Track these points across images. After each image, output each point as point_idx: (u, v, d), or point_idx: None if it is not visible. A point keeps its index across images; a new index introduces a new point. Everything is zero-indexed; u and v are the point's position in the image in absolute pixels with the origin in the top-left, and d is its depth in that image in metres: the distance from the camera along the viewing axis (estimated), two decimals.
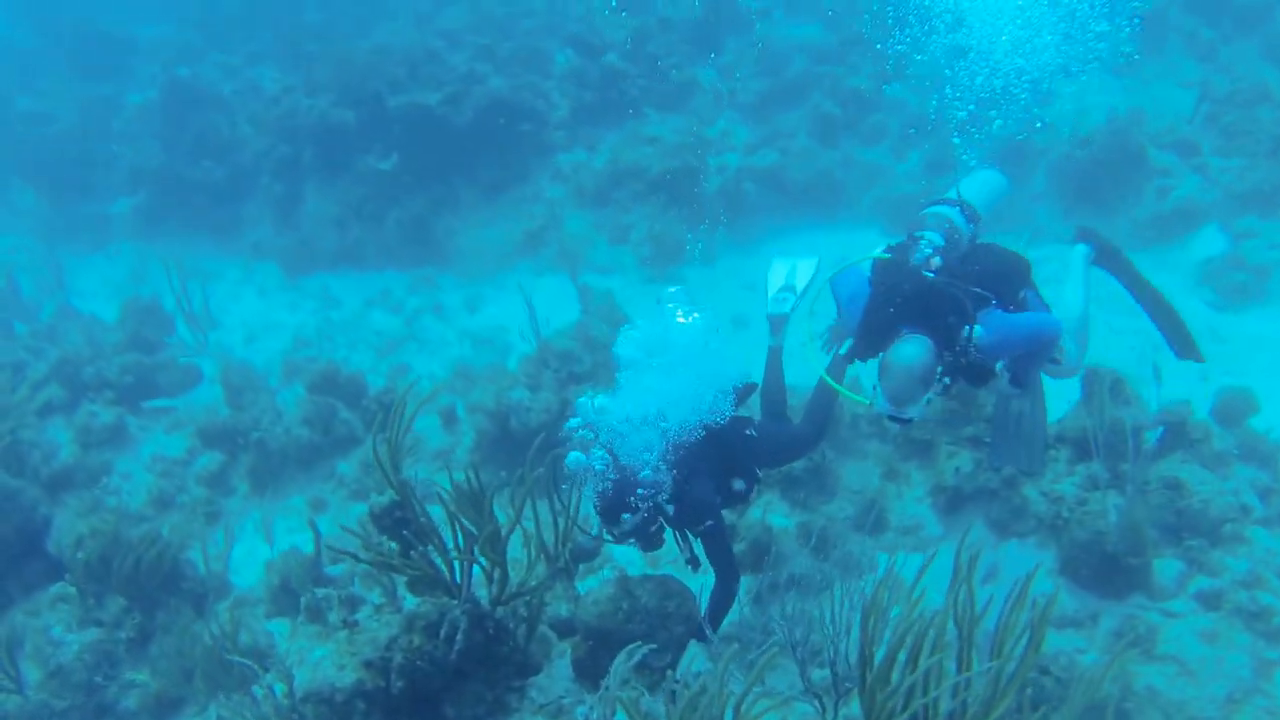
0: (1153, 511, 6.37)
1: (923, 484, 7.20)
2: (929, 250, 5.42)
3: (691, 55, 15.16)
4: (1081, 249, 6.49)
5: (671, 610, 5.41)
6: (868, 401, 5.48)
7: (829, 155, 13.49)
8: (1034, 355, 5.56)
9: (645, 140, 13.89)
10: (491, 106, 13.85)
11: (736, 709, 3.61)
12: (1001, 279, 5.62)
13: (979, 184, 6.37)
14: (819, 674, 5.85)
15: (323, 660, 4.83)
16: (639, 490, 5.31)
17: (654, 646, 4.70)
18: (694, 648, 5.67)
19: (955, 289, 5.34)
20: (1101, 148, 11.55)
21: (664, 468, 5.45)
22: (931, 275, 5.34)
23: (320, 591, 5.93)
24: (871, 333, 5.52)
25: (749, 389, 6.16)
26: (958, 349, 5.35)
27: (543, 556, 4.88)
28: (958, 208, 5.70)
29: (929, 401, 5.37)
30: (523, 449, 7.84)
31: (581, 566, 6.89)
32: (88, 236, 16.40)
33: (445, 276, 13.58)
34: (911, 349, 5.23)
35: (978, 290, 5.41)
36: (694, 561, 5.87)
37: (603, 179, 13.56)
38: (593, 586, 5.78)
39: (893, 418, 5.38)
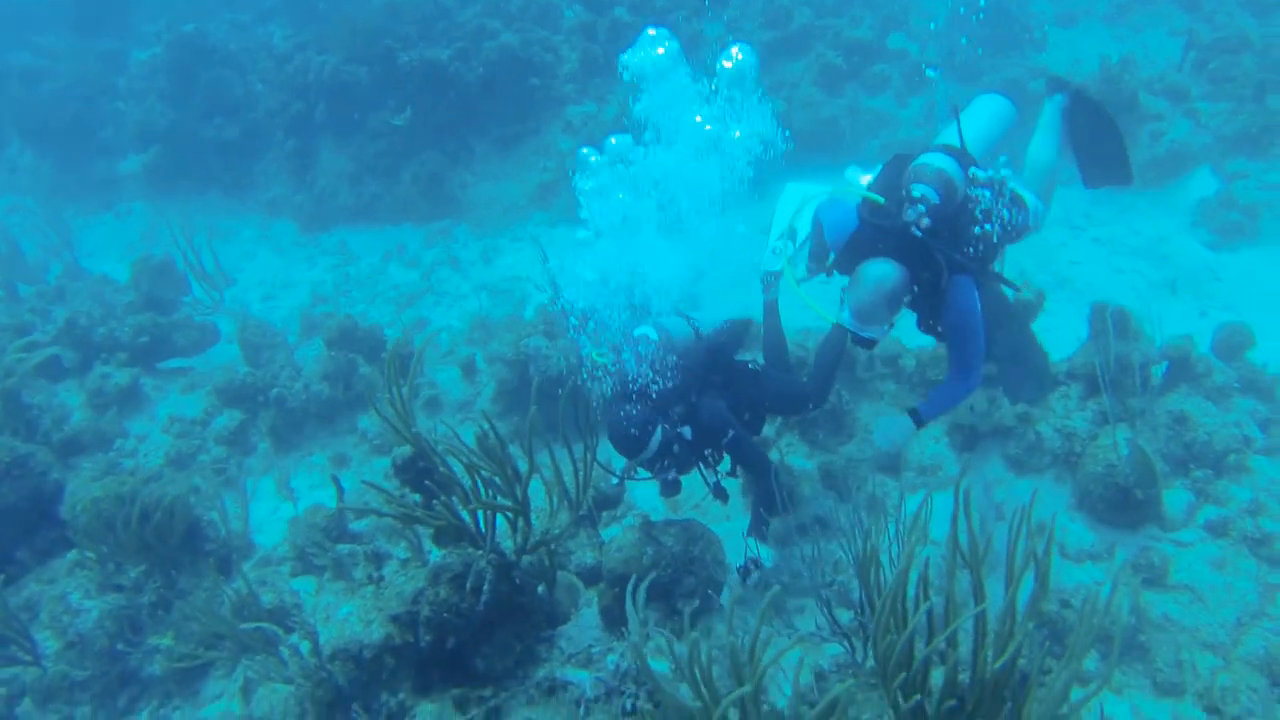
0: (1161, 444, 6.38)
1: (940, 423, 6.97)
2: (922, 209, 5.25)
3: (698, 9, 14.72)
4: (1057, 100, 6.38)
5: (696, 554, 5.24)
6: (833, 317, 5.39)
7: (834, 104, 13.18)
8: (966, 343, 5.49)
9: None
10: (502, 61, 13.48)
11: (751, 652, 3.38)
12: (984, 243, 5.50)
13: (984, 117, 6.10)
14: (846, 615, 5.71)
15: (349, 616, 4.65)
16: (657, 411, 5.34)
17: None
18: (726, 592, 5.52)
19: (938, 253, 5.25)
20: (1096, 93, 11.26)
21: (678, 379, 5.48)
22: (919, 234, 5.22)
23: (344, 548, 5.70)
24: (853, 256, 5.41)
25: (744, 323, 6.22)
26: (925, 301, 5.34)
27: (565, 504, 4.64)
28: (954, 158, 5.41)
29: (891, 328, 5.33)
30: (543, 397, 7.71)
31: (605, 515, 6.71)
32: (95, 196, 16.00)
33: (460, 229, 13.32)
34: (886, 267, 5.16)
35: (959, 257, 5.32)
36: (721, 492, 5.78)
37: (612, 130, 13.17)
38: (615, 534, 5.59)
39: (856, 338, 5.33)
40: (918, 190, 5.25)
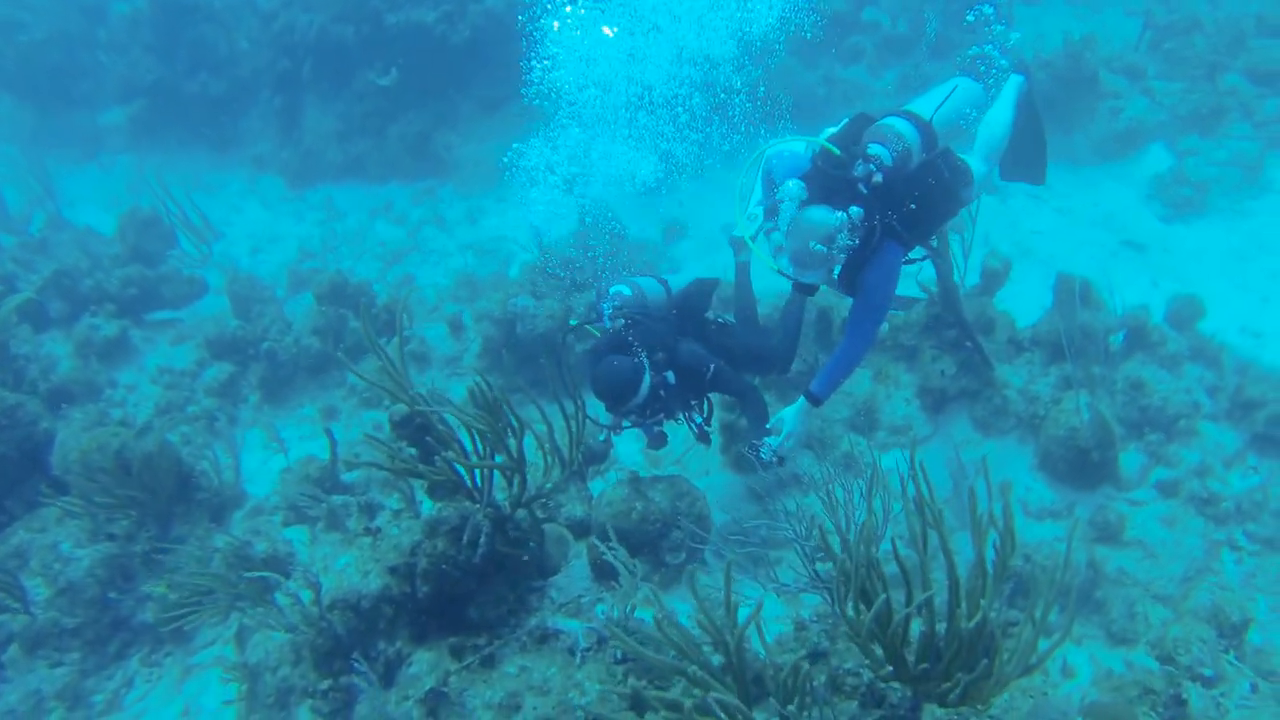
0: (1119, 409, 6.54)
1: (910, 385, 7.03)
2: (873, 168, 5.11)
3: None
4: (1017, 79, 6.30)
5: (684, 510, 5.24)
6: (775, 266, 5.26)
7: (810, 74, 13.03)
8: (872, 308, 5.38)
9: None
10: (487, 24, 13.19)
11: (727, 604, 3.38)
12: (924, 218, 5.42)
13: (954, 95, 6.04)
14: (824, 567, 5.73)
15: (347, 567, 4.63)
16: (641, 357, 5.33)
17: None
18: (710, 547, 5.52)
19: (878, 216, 5.14)
20: (1060, 69, 11.51)
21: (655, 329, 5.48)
22: (865, 191, 5.10)
23: (338, 499, 5.63)
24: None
25: (712, 282, 6.20)
26: (852, 257, 5.15)
27: (556, 459, 4.60)
28: (917, 127, 5.31)
29: (831, 276, 5.19)
30: (529, 354, 7.65)
31: (590, 470, 6.68)
32: (77, 147, 15.52)
33: (446, 189, 13.16)
34: (822, 214, 4.98)
35: (894, 222, 5.21)
36: (704, 436, 5.76)
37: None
38: (604, 489, 5.57)
39: (796, 284, 5.21)
40: (874, 149, 5.13)
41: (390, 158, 13.63)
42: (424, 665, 4.40)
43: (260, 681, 4.83)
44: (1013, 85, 6.29)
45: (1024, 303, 7.46)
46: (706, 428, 5.81)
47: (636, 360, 5.27)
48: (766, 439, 5.43)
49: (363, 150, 13.79)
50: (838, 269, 5.22)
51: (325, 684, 4.49)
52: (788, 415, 5.48)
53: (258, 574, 5.12)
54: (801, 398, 5.49)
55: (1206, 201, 10.44)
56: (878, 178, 5.07)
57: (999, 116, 6.16)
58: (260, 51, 14.66)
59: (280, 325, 8.84)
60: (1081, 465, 6.19)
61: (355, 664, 4.34)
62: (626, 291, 5.63)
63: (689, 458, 7.00)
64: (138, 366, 8.81)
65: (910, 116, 5.42)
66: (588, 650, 4.17)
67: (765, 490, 6.50)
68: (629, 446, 7.20)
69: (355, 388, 8.49)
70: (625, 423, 5.58)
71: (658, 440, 5.74)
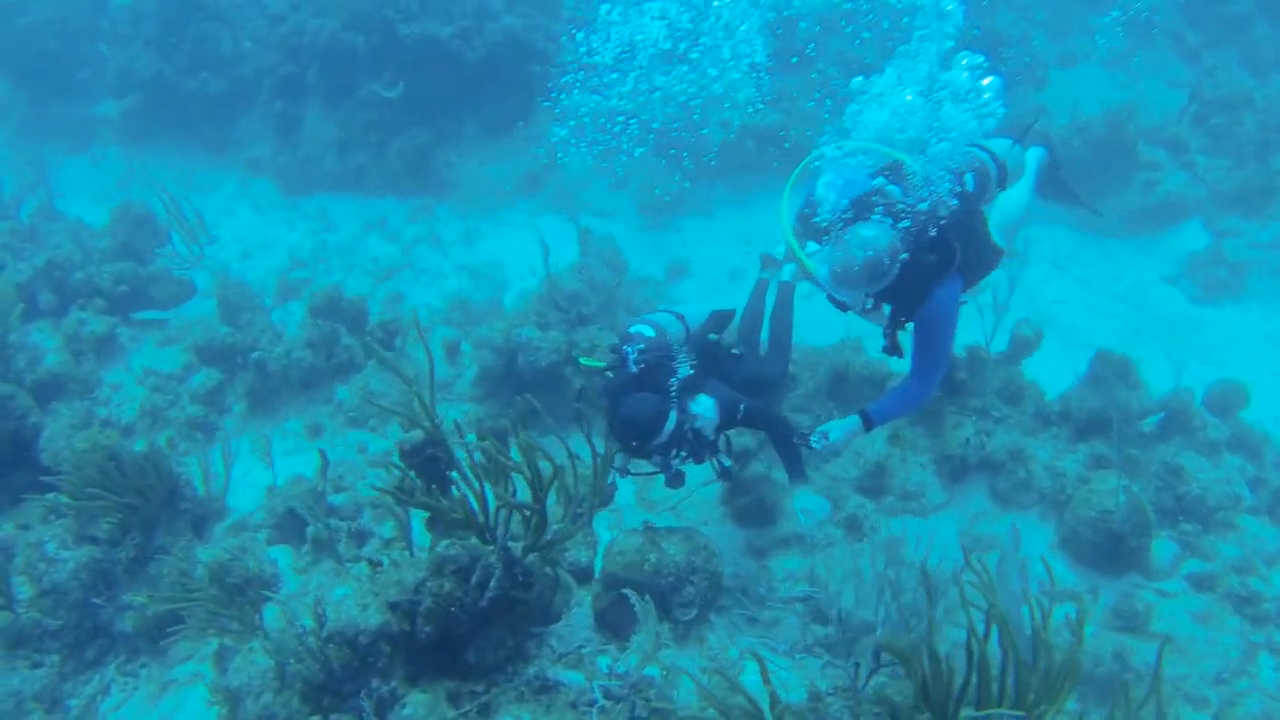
0: (1152, 494, 6.42)
1: (928, 451, 6.96)
2: (957, 189, 4.97)
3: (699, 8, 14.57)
4: (1039, 152, 6.24)
5: (699, 565, 5.15)
6: (811, 272, 5.12)
7: (830, 121, 13.08)
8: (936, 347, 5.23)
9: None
10: (505, 44, 13.20)
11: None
12: (976, 263, 5.32)
13: (1024, 156, 6.01)
14: (820, 630, 5.67)
15: (345, 599, 4.49)
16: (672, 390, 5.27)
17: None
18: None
19: (953, 242, 4.96)
20: (1096, 136, 11.35)
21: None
22: (941, 217, 4.94)
23: (336, 524, 5.51)
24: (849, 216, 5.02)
25: (728, 315, 6.15)
26: (907, 289, 4.94)
27: (577, 503, 4.52)
28: (995, 163, 5.27)
29: (870, 302, 4.98)
30: (529, 387, 7.57)
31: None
32: (69, 137, 15.43)
33: (443, 208, 13.06)
34: (876, 231, 4.79)
35: (964, 256, 5.06)
36: (726, 474, 5.67)
37: (606, 120, 13.02)
38: (615, 536, 5.48)
39: (832, 299, 5.10)
40: (965, 174, 4.97)
41: (389, 172, 13.47)
42: (419, 709, 4.26)
43: (241, 707, 4.67)
44: (1034, 159, 6.21)
45: (1040, 372, 7.45)
46: (730, 467, 5.75)
47: (662, 400, 5.21)
48: (818, 429, 5.34)
49: (361, 162, 13.63)
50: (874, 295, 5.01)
51: (314, 719, 4.35)
52: (836, 425, 5.36)
53: (264, 594, 4.99)
54: (856, 415, 5.35)
55: (1243, 284, 10.32)
56: (953, 203, 4.92)
57: (1018, 194, 6.03)
58: (265, 53, 14.51)
59: (271, 335, 8.72)
60: (1111, 550, 6.08)
61: (361, 702, 4.20)
62: (649, 332, 5.52)
63: (685, 505, 6.93)
64: (124, 366, 8.62)
65: (987, 151, 5.32)
66: (603, 708, 4.06)
67: (764, 549, 6.46)
68: (623, 491, 7.13)
69: (343, 405, 8.34)
70: (644, 463, 5.51)
71: (675, 480, 5.66)
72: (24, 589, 5.91)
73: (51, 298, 8.84)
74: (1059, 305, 9.95)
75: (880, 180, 5.09)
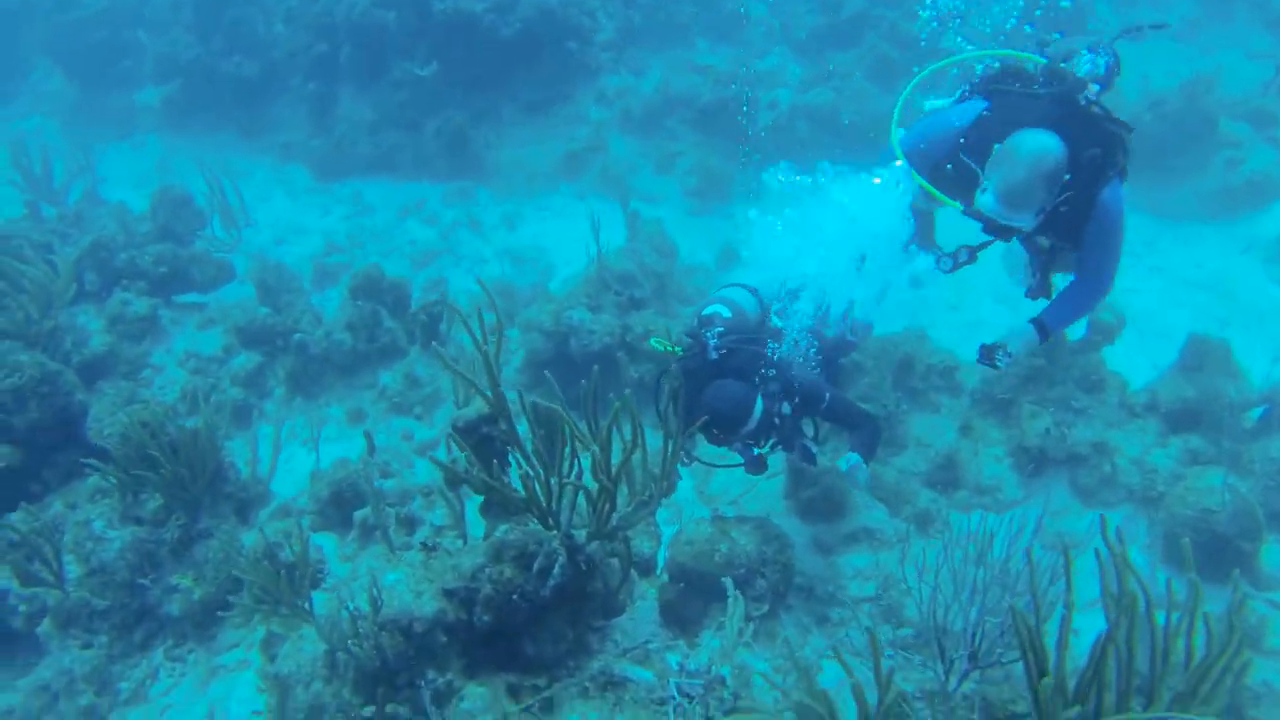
0: (1259, 493, 5.95)
1: (1002, 443, 6.72)
2: (1097, 68, 4.58)
3: None
4: None
5: (770, 556, 4.95)
6: (960, 206, 4.68)
7: (886, 99, 12.79)
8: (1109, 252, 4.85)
9: (695, 68, 13.18)
10: (539, 19, 13.01)
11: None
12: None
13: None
14: (901, 632, 5.47)
15: (397, 585, 4.33)
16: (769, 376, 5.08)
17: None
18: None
19: (1112, 124, 4.53)
20: (1171, 111, 10.81)
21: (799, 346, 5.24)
22: (1086, 103, 4.55)
23: (362, 512, 5.38)
24: (985, 138, 4.64)
25: (799, 286, 5.80)
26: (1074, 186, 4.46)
27: (649, 487, 4.34)
28: (1107, 57, 4.93)
29: (1040, 215, 4.50)
30: (580, 373, 7.39)
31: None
32: (113, 125, 15.61)
33: (482, 191, 12.88)
34: (1045, 138, 4.42)
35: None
36: (812, 458, 5.52)
37: (651, 105, 12.83)
38: (682, 526, 5.30)
39: (990, 229, 4.63)
40: (1085, 62, 4.59)
41: (424, 154, 13.32)
42: (478, 702, 4.11)
43: (291, 695, 4.54)
44: None
45: (1115, 363, 7.18)
46: (815, 451, 5.56)
47: (749, 386, 5.02)
48: (999, 350, 5.01)
49: (395, 144, 13.50)
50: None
51: (368, 710, 4.20)
52: (1014, 339, 4.99)
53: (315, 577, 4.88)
54: (1028, 325, 4.99)
55: None
56: (1095, 88, 4.51)
57: None
58: (297, 34, 14.45)
59: (311, 317, 8.62)
60: (1215, 553, 5.63)
61: (421, 691, 4.04)
62: (726, 313, 5.30)
63: (747, 499, 6.73)
64: (165, 348, 8.56)
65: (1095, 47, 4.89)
66: (679, 705, 3.87)
67: (832, 545, 6.25)
68: (682, 483, 6.95)
69: (386, 391, 8.24)
70: (714, 451, 5.34)
71: (756, 466, 5.47)
72: (73, 568, 5.86)
73: (96, 279, 8.83)
74: (1131, 294, 9.60)
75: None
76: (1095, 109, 4.55)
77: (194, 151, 13.26)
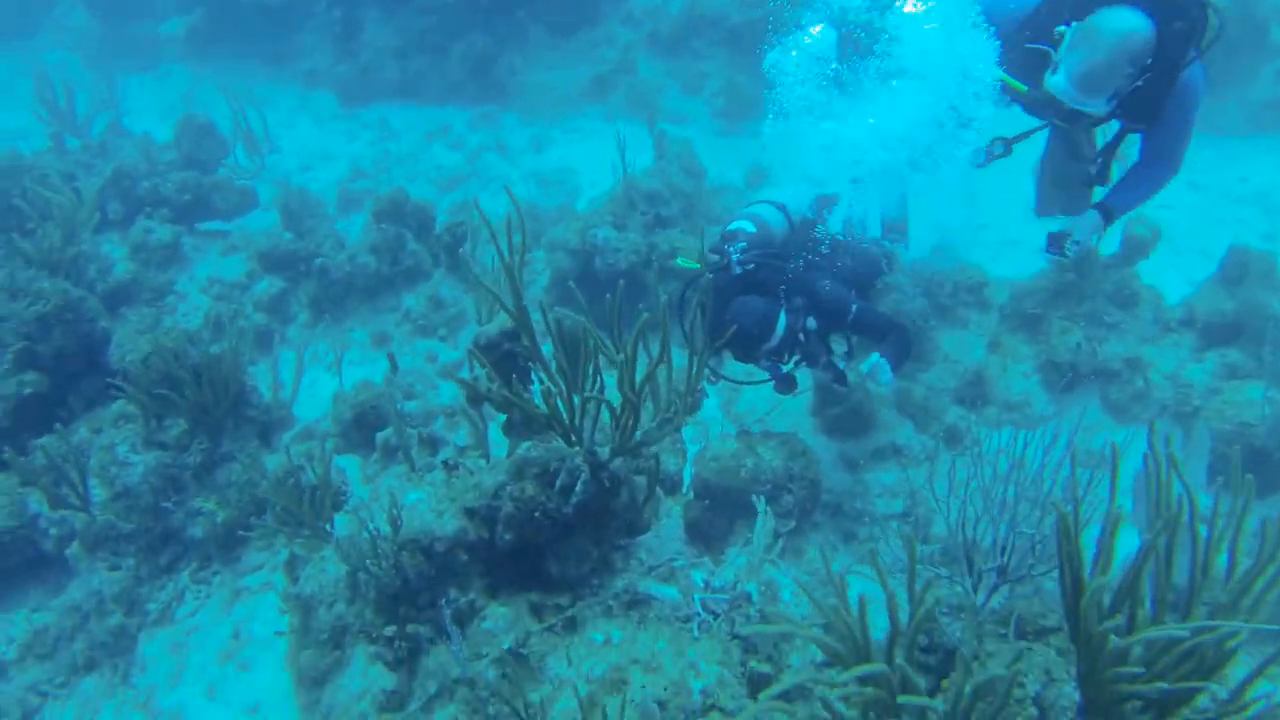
0: None
1: (1030, 359, 6.50)
2: None
3: None
4: None
5: (797, 472, 4.78)
6: (1025, 88, 4.38)
7: None
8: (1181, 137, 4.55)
9: None
10: None
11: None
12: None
13: None
14: (927, 548, 5.32)
15: (419, 504, 4.21)
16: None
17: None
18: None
19: (1197, 3, 4.12)
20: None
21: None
22: None
23: (411, 431, 5.23)
24: (1053, 18, 4.29)
25: (832, 198, 5.68)
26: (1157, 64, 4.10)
27: (675, 401, 4.16)
28: None
29: (1113, 102, 4.17)
30: (605, 289, 7.19)
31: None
32: (137, 56, 15.40)
33: (508, 115, 12.62)
34: (1134, 17, 4.08)
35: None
36: (842, 377, 5.28)
37: (678, 24, 12.42)
38: (708, 442, 5.13)
39: (1061, 112, 4.32)
40: None
41: (450, 79, 13.04)
42: (500, 622, 3.99)
43: (314, 616, 4.47)
44: None
45: (1151, 281, 6.89)
46: (847, 371, 5.36)
47: (771, 301, 4.82)
48: (1067, 239, 4.79)
49: (421, 69, 13.23)
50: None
51: (390, 630, 4.10)
52: (1077, 226, 4.76)
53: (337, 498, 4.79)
54: (1093, 211, 4.75)
55: None
56: None
57: None
58: None
59: (334, 241, 8.45)
60: (1254, 468, 5.41)
61: (442, 611, 3.93)
62: (750, 228, 5.09)
63: (774, 417, 6.55)
64: (188, 275, 8.46)
65: None
66: (704, 622, 3.73)
67: (859, 462, 6.09)
68: (715, 406, 6.80)
69: (410, 313, 8.09)
70: (740, 369, 5.16)
71: (786, 384, 5.29)
72: (98, 491, 5.81)
73: (119, 207, 8.74)
74: (1167, 210, 9.18)
75: None
76: None
77: (219, 80, 12.98)
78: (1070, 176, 5.39)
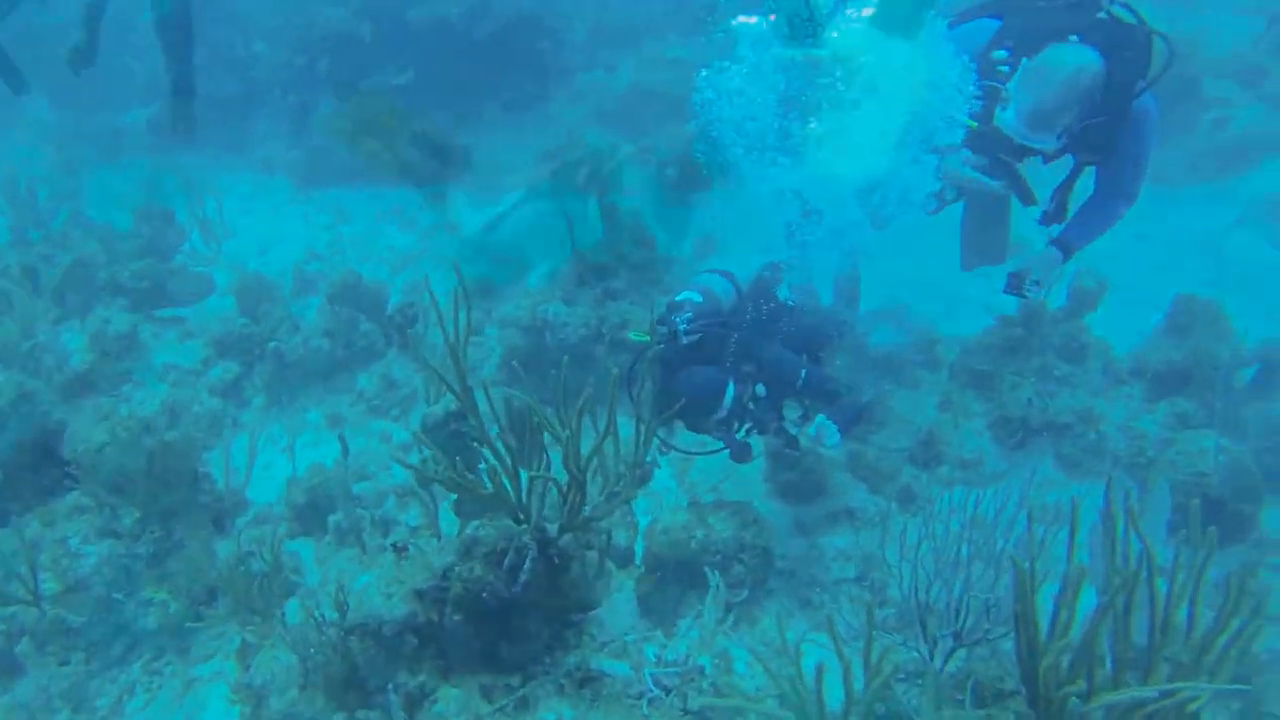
0: (1259, 456, 5.66)
1: (982, 415, 6.52)
2: None
3: None
4: None
5: (748, 541, 4.74)
6: (975, 124, 4.38)
7: None
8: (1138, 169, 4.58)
9: (667, 63, 12.98)
10: (513, 22, 12.81)
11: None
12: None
13: None
14: (879, 613, 5.27)
15: (368, 588, 4.12)
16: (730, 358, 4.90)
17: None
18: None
19: (1146, 31, 4.20)
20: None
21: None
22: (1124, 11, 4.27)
23: (359, 512, 5.17)
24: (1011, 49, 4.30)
25: (776, 266, 5.66)
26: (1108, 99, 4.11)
27: (622, 475, 4.13)
28: None
29: (1063, 139, 4.19)
30: (558, 364, 7.18)
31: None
32: (99, 147, 15.33)
33: (459, 194, 12.63)
34: (1083, 53, 4.10)
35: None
36: (794, 442, 5.23)
37: (624, 99, 12.63)
38: (658, 514, 5.10)
39: (1011, 148, 4.32)
40: None
41: (402, 160, 13.16)
42: (451, 704, 3.90)
43: (265, 705, 4.35)
44: None
45: (1099, 330, 6.99)
46: (799, 436, 5.34)
47: (719, 371, 4.82)
48: (1027, 278, 4.75)
49: (373, 150, 13.35)
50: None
51: (339, 717, 4.00)
52: (1036, 265, 4.72)
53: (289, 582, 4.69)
54: (1051, 247, 4.72)
55: None
56: None
57: None
58: (277, 51, 14.34)
59: (288, 325, 8.42)
60: (1211, 519, 5.41)
61: (389, 698, 3.84)
62: (696, 298, 5.11)
63: (727, 485, 6.52)
64: (146, 363, 8.36)
65: None
66: (655, 699, 3.67)
67: (814, 526, 6.07)
68: (660, 473, 6.76)
69: (364, 393, 8.04)
70: (694, 440, 5.13)
71: (742, 453, 5.27)
72: (50, 584, 5.66)
73: (77, 299, 8.67)
74: (1115, 261, 9.27)
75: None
76: (1125, 14, 4.28)
77: (178, 169, 13.00)
78: (987, 222, 5.47)
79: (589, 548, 4.39)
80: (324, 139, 13.47)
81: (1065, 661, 2.96)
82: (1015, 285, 4.76)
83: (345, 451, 6.23)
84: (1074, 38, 4.24)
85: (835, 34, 4.62)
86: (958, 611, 4.10)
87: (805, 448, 5.81)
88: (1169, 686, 2.80)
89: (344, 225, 12.60)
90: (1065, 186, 4.78)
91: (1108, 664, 3.00)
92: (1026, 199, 4.98)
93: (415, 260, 11.65)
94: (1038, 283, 4.74)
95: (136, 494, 5.71)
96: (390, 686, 3.91)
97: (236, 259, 11.25)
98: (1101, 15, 4.34)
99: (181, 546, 5.77)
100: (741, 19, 4.97)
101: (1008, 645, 3.86)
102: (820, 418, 4.92)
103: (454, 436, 4.49)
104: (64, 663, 5.57)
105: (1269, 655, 4.72)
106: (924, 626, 3.96)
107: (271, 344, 8.05)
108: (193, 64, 7.08)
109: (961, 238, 5.90)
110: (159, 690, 5.49)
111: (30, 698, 5.46)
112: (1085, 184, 4.97)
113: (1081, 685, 2.88)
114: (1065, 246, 4.76)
